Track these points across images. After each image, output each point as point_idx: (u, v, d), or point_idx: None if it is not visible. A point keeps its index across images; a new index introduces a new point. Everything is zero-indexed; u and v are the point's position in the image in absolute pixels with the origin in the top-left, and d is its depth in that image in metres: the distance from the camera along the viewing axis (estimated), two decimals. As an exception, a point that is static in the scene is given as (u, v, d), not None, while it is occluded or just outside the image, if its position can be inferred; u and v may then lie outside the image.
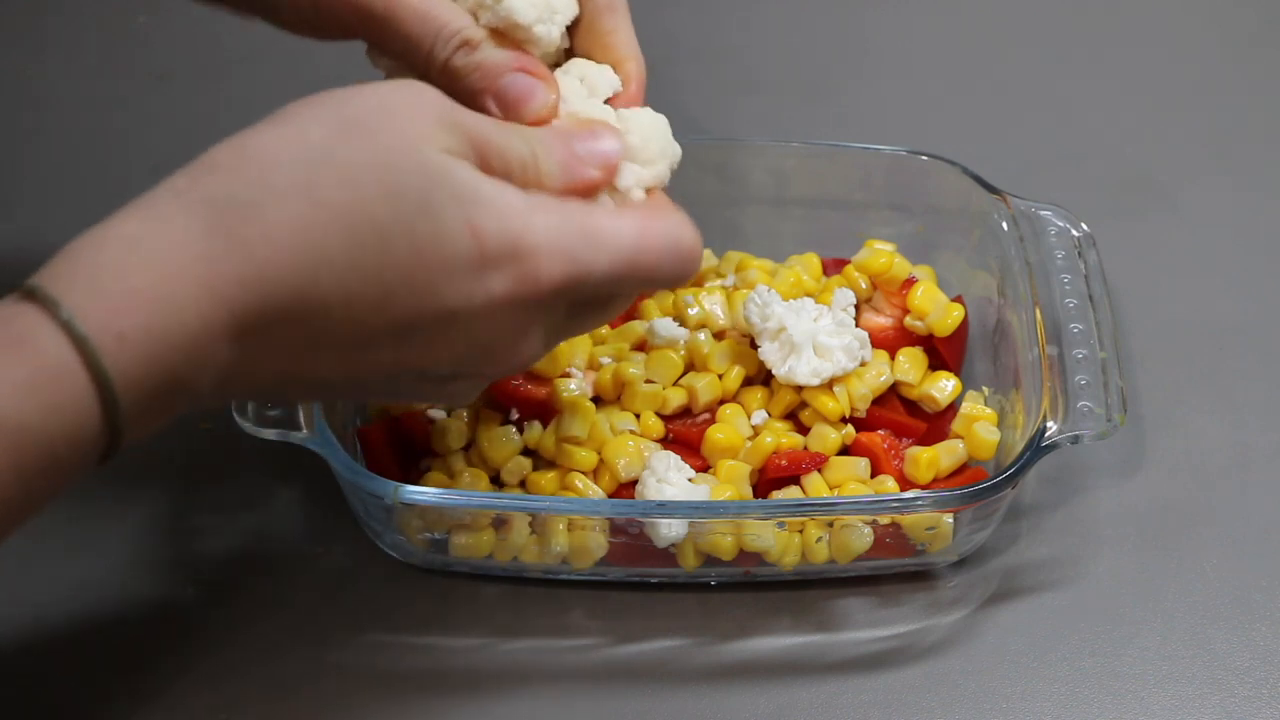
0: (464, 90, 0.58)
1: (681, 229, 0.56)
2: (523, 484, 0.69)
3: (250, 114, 0.98)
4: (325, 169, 0.50)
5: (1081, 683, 0.66)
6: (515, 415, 0.71)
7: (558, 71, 0.61)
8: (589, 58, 0.62)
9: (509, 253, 0.52)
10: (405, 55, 0.59)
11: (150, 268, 0.48)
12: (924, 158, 0.77)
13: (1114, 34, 0.99)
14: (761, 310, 0.71)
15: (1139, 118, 0.93)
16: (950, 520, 0.66)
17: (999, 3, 1.01)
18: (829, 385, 0.71)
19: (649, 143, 0.59)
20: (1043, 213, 0.75)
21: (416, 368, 0.54)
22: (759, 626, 0.68)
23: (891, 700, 0.65)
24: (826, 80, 0.95)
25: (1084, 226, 0.75)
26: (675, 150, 0.60)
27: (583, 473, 0.69)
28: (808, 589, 0.69)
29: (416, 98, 0.53)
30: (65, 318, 0.47)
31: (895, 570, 0.69)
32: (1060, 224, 0.75)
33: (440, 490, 0.65)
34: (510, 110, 0.58)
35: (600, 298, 0.56)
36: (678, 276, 0.56)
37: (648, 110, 0.61)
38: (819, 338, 0.70)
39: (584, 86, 0.60)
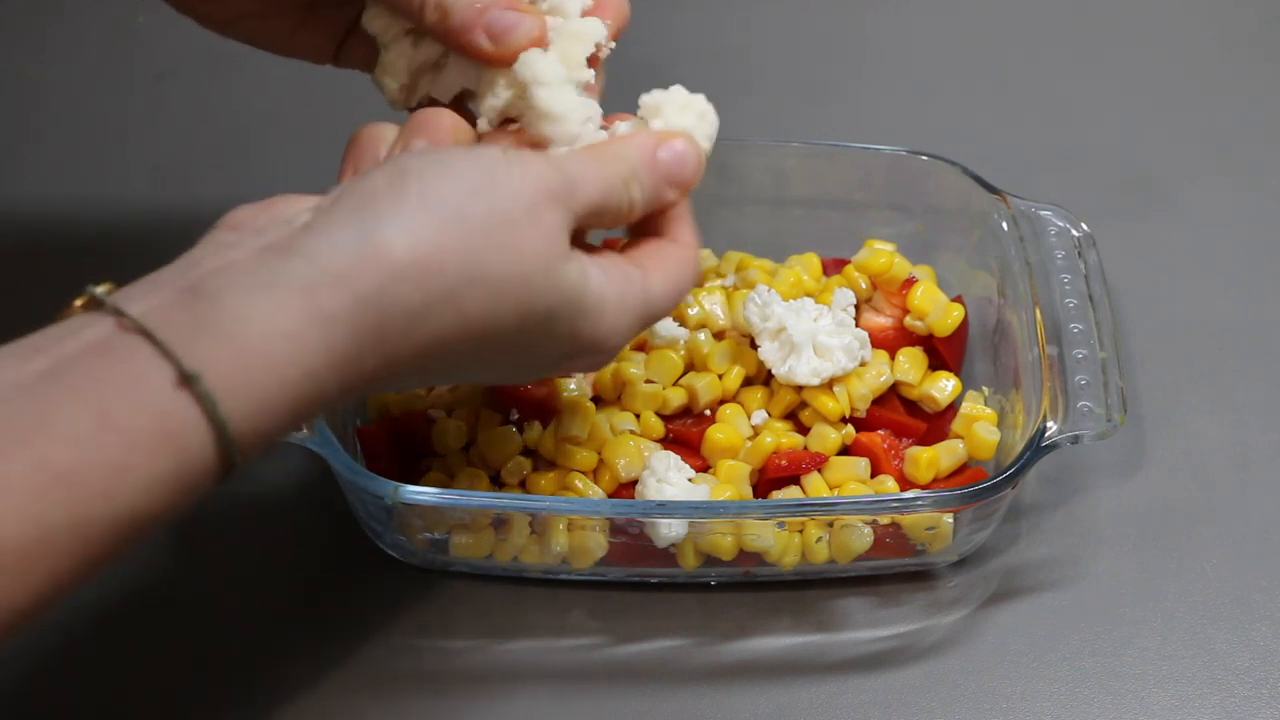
0: (455, 27, 0.60)
1: (692, 275, 0.60)
2: (523, 484, 0.69)
3: (250, 114, 0.99)
4: (476, 284, 0.52)
5: (1081, 683, 0.66)
6: (515, 415, 0.71)
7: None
8: None
9: (593, 349, 0.57)
10: (400, 3, 0.61)
11: (307, 377, 0.49)
12: (924, 158, 0.77)
13: (1114, 34, 0.99)
14: (761, 310, 0.71)
15: (1139, 118, 0.93)
16: (950, 520, 0.66)
17: (999, 3, 1.01)
18: (829, 385, 0.71)
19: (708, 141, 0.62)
20: (1043, 213, 0.75)
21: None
22: (759, 626, 0.68)
23: (891, 700, 0.65)
24: (826, 80, 0.95)
25: (1084, 226, 0.75)
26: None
27: (583, 473, 0.69)
28: (808, 589, 0.69)
29: (550, 194, 0.54)
30: (221, 420, 0.47)
31: (895, 570, 0.69)
32: (1060, 224, 0.75)
33: (440, 490, 0.65)
34: (498, 40, 0.60)
35: None
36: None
37: (704, 100, 0.63)
38: (819, 338, 0.70)
39: (557, 14, 0.61)
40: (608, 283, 0.56)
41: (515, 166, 0.54)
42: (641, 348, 0.73)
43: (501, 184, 0.53)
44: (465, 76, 0.62)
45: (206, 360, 0.47)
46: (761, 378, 0.73)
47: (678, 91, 0.62)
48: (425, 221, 0.51)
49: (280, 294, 0.48)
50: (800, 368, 0.70)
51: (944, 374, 0.73)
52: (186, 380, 0.46)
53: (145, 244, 0.83)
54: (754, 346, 0.72)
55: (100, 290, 0.48)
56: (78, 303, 0.49)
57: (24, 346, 0.47)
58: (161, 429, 0.46)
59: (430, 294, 0.51)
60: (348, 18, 0.65)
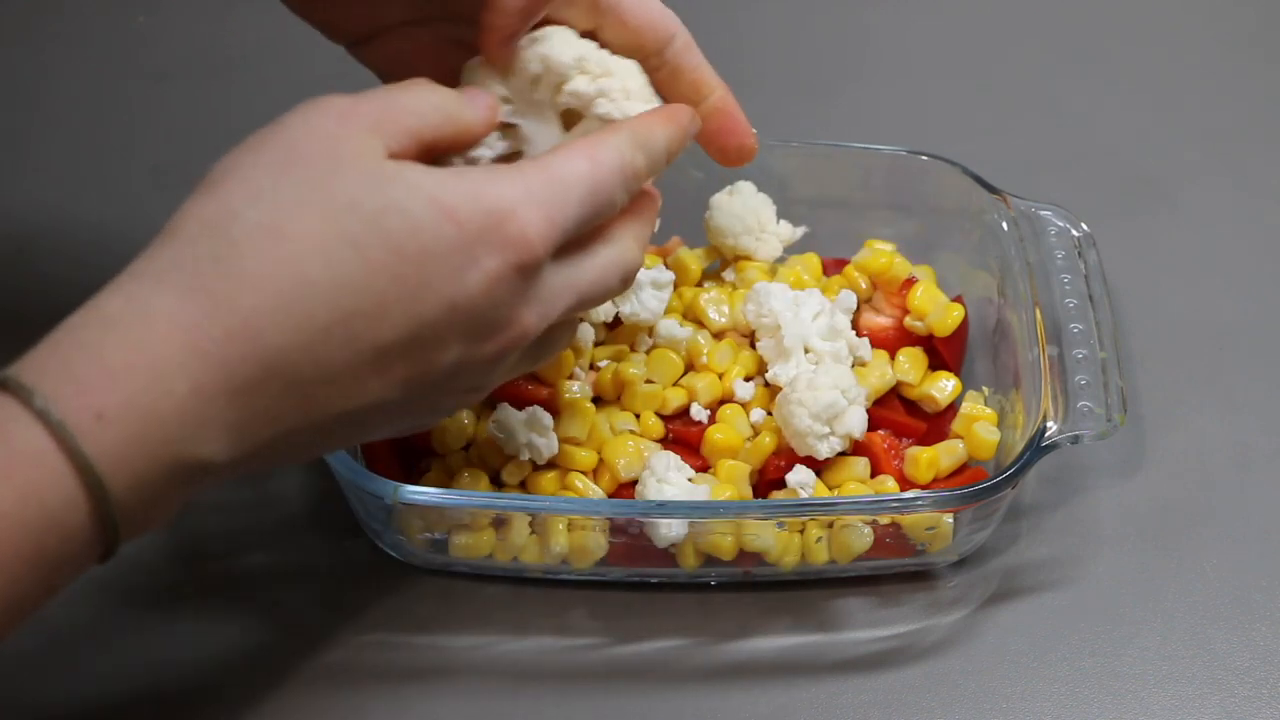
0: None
1: (622, 147, 0.56)
2: (523, 484, 0.69)
3: (250, 114, 0.98)
4: (280, 205, 0.50)
5: (1081, 683, 0.66)
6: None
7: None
8: (675, 97, 0.63)
9: (489, 222, 0.52)
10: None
11: (129, 343, 0.47)
12: (924, 158, 0.77)
13: (1114, 34, 0.99)
14: (759, 308, 0.71)
15: (1139, 118, 0.93)
16: (950, 520, 0.66)
17: (999, 3, 1.01)
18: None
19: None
20: (1043, 213, 0.75)
21: (427, 375, 0.53)
22: (759, 626, 0.68)
23: (891, 700, 0.65)
24: (826, 80, 0.95)
25: (1084, 226, 0.75)
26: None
27: (583, 473, 0.69)
28: (808, 589, 0.69)
29: (346, 115, 0.53)
30: (39, 405, 0.46)
31: (895, 570, 0.69)
32: (1060, 224, 0.75)
33: (440, 490, 0.65)
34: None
35: (581, 240, 0.56)
36: (628, 192, 0.56)
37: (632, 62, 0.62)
38: (811, 340, 0.70)
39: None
40: (468, 169, 0.53)
41: (307, 110, 0.53)
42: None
43: (286, 125, 0.53)
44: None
45: (22, 366, 0.46)
46: (762, 379, 0.72)
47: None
48: (207, 194, 0.51)
49: (96, 299, 0.48)
50: (785, 373, 0.70)
51: (944, 374, 0.73)
52: (3, 385, 0.46)
53: (145, 244, 0.83)
54: (754, 345, 0.72)
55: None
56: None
57: None
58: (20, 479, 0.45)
59: (231, 237, 0.49)
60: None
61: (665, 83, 0.63)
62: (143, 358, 0.47)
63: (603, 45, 0.61)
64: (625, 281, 0.58)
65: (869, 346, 0.73)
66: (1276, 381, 0.78)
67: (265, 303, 0.49)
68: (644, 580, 0.69)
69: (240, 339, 0.48)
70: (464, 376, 0.54)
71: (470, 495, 0.67)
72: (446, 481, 0.69)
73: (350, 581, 0.69)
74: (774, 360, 0.71)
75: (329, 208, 0.50)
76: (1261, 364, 0.79)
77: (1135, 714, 0.65)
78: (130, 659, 0.66)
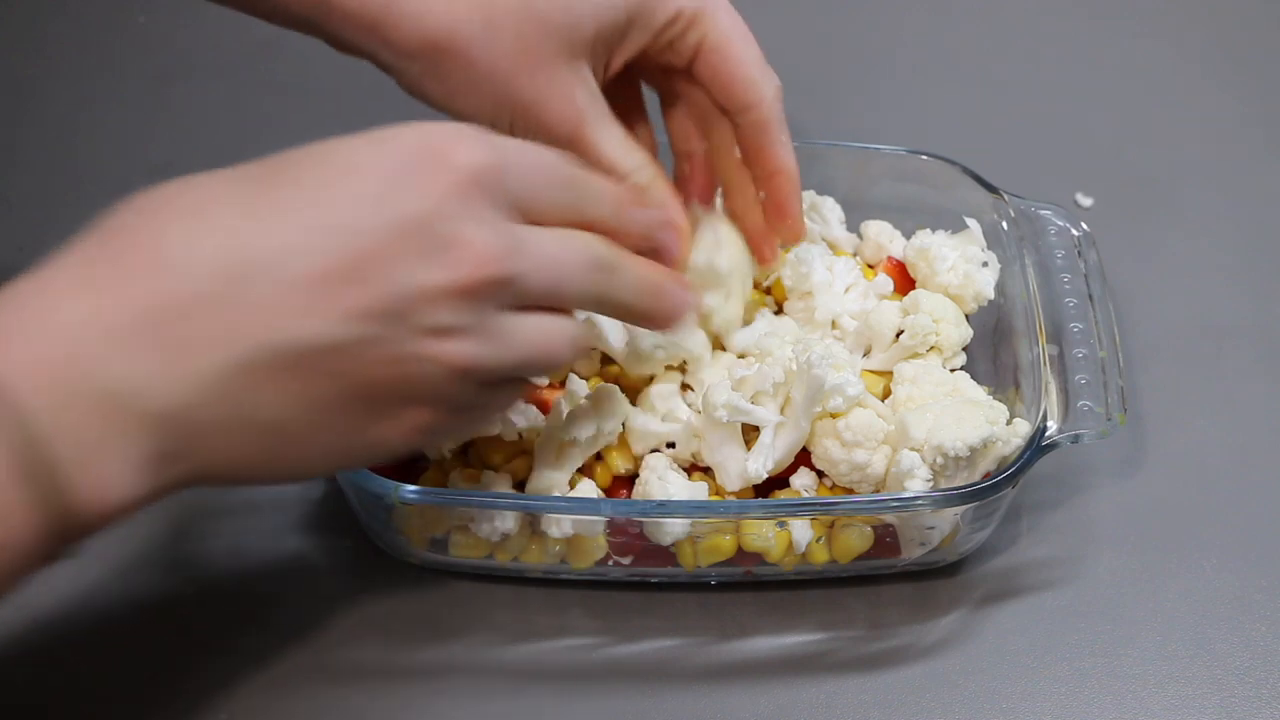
0: (628, 223, 0.59)
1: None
2: (521, 484, 0.69)
3: (250, 114, 0.99)
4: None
5: (1081, 683, 0.66)
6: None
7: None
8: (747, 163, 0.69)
9: (419, 135, 0.51)
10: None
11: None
12: (924, 158, 0.78)
13: (1114, 34, 0.99)
14: (797, 269, 0.72)
15: (1139, 118, 0.93)
16: (950, 520, 0.66)
17: (999, 3, 1.01)
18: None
19: None
20: (1043, 212, 0.75)
21: (376, 299, 0.49)
22: (759, 626, 0.68)
23: (891, 700, 0.65)
24: (827, 80, 0.95)
25: (1084, 226, 0.75)
26: None
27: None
28: (808, 589, 0.69)
29: None
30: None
31: (895, 570, 0.69)
32: (1060, 224, 0.75)
33: (441, 490, 0.65)
34: (655, 256, 0.59)
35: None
36: (595, 192, 0.55)
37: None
38: (841, 317, 0.71)
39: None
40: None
41: None
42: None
43: None
44: None
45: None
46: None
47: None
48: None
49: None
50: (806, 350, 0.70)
51: (944, 374, 0.73)
52: None
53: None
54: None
55: None
56: None
57: None
58: None
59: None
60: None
61: (740, 140, 0.67)
62: (33, 281, 0.48)
63: (684, 88, 0.67)
64: (600, 269, 0.54)
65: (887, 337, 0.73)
66: (1276, 381, 0.78)
67: (156, 205, 0.50)
68: (644, 580, 0.69)
69: (132, 252, 0.49)
70: (426, 311, 0.49)
71: (469, 495, 0.67)
72: (445, 481, 0.69)
73: (350, 582, 0.69)
74: (802, 323, 0.72)
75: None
76: (1261, 364, 0.79)
77: (1135, 714, 0.65)
78: (130, 658, 0.66)
